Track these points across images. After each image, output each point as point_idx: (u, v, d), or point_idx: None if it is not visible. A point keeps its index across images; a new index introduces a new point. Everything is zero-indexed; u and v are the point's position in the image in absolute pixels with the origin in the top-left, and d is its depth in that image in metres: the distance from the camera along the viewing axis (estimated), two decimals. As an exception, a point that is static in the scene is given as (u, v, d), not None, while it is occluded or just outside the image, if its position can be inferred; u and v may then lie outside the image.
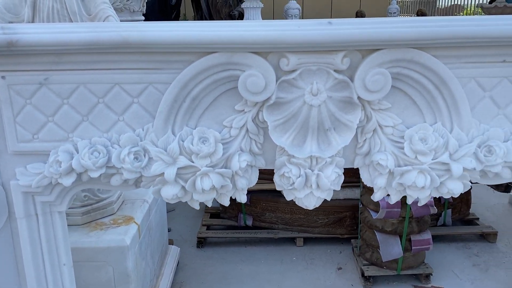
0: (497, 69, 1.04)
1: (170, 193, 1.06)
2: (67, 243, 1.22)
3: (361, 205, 2.86)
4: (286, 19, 8.25)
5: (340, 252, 3.07)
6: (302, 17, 11.97)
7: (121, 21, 3.13)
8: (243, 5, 5.98)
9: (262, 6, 5.86)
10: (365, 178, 1.13)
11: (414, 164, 1.05)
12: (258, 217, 3.26)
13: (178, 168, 1.05)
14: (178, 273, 2.85)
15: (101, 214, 2.11)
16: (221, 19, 8.70)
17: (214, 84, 1.02)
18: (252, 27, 0.94)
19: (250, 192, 3.26)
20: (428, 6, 14.03)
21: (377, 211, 2.61)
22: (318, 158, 1.06)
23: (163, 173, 1.04)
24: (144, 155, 1.05)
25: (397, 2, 9.61)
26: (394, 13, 8.95)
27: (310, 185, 1.09)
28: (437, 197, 2.59)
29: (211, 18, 8.54)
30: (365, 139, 1.08)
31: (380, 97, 1.01)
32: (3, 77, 1.02)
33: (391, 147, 1.07)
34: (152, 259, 2.39)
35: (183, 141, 1.04)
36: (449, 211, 3.22)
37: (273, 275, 2.84)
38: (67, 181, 1.06)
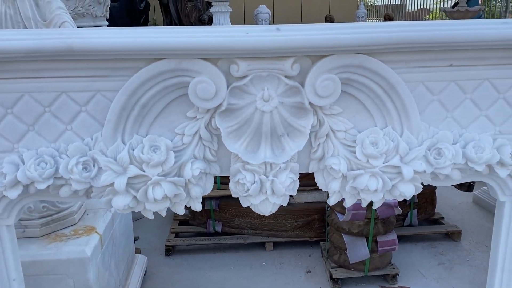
0: (444, 73, 1.07)
1: (121, 203, 1.04)
2: (17, 257, 1.17)
3: (328, 208, 2.88)
4: (257, 23, 8.29)
5: (309, 255, 3.08)
6: (272, 22, 12.05)
7: (83, 26, 3.08)
8: (211, 10, 5.95)
9: (231, 10, 5.85)
10: (320, 182, 1.13)
11: (366, 167, 1.06)
12: (227, 223, 3.24)
13: (128, 178, 1.02)
14: (145, 282, 2.80)
15: (62, 225, 2.05)
16: (191, 23, 8.65)
17: (164, 91, 1.00)
18: (200, 33, 0.93)
19: (219, 198, 3.25)
20: (396, 10, 14.35)
21: (343, 213, 2.63)
22: (272, 164, 1.06)
23: (113, 183, 1.02)
24: (93, 165, 1.03)
25: (365, 6, 9.79)
26: (362, 17, 9.10)
27: (265, 191, 1.08)
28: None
29: (180, 22, 8.49)
30: (319, 144, 1.09)
31: (331, 102, 1.01)
32: None
33: (344, 151, 1.07)
34: (117, 270, 2.34)
35: (133, 149, 1.02)
36: (415, 211, 3.28)
37: (242, 281, 2.83)
38: (13, 193, 1.03)
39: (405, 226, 3.27)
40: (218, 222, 3.24)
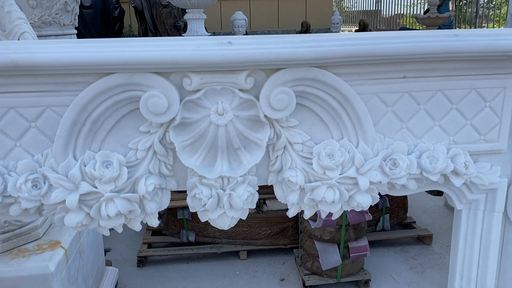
0: (398, 84, 1.08)
1: (74, 221, 1.01)
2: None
3: (301, 215, 2.89)
4: (233, 29, 8.31)
5: (283, 263, 3.07)
6: (249, 28, 12.09)
7: (50, 35, 3.03)
8: (185, 17, 5.94)
9: (205, 17, 5.85)
10: (279, 195, 1.13)
11: (323, 179, 1.07)
12: (201, 232, 3.22)
13: (80, 195, 0.99)
14: (116, 295, 2.75)
15: (24, 240, 1.99)
16: (166, 30, 8.59)
17: (116, 105, 0.98)
18: (150, 47, 0.92)
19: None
20: (372, 16, 14.57)
21: (315, 220, 2.64)
22: (229, 178, 1.05)
23: (65, 200, 0.99)
24: (44, 182, 1.00)
25: (340, 12, 9.91)
26: (337, 23, 9.21)
27: (222, 205, 1.07)
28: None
29: (155, 29, 8.44)
30: (277, 156, 1.08)
31: (286, 115, 1.01)
32: None
33: (302, 164, 1.07)
34: (85, 283, 2.28)
35: (85, 165, 0.99)
36: (387, 216, 3.31)
37: (215, 291, 2.81)
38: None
39: (378, 231, 3.31)
40: (191, 231, 3.21)
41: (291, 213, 1.13)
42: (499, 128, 1.13)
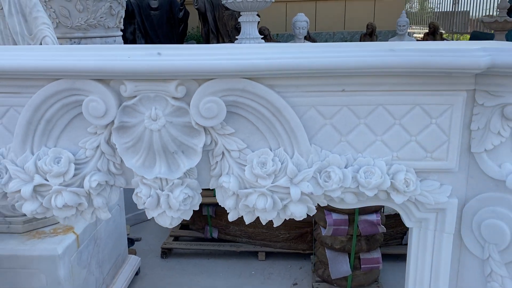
0: (337, 98, 1.08)
1: (29, 208, 1.14)
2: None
3: (315, 224, 2.88)
4: (294, 31, 8.35)
5: (300, 268, 3.08)
6: (314, 29, 12.03)
7: (95, 37, 3.28)
8: (239, 19, 6.07)
9: (258, 20, 5.95)
10: (219, 199, 1.18)
11: (256, 187, 1.10)
12: (223, 229, 3.31)
13: (35, 186, 1.12)
14: (136, 282, 2.93)
15: (43, 223, 2.21)
16: (227, 32, 8.83)
17: (65, 107, 1.09)
18: (89, 56, 1.01)
19: (215, 205, 3.32)
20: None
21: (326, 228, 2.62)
22: (167, 180, 1.12)
23: (20, 190, 1.12)
24: (6, 173, 1.13)
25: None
26: (404, 26, 8.89)
27: (161, 205, 1.14)
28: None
29: (217, 31, 8.70)
30: (216, 162, 1.13)
31: (216, 123, 1.06)
32: None
33: (238, 170, 1.11)
34: (100, 269, 2.47)
35: (39, 160, 1.12)
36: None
37: (228, 288, 2.89)
38: None
39: (403, 245, 3.19)
40: (214, 228, 3.32)
41: (230, 217, 1.18)
42: (447, 146, 1.09)
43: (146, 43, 8.36)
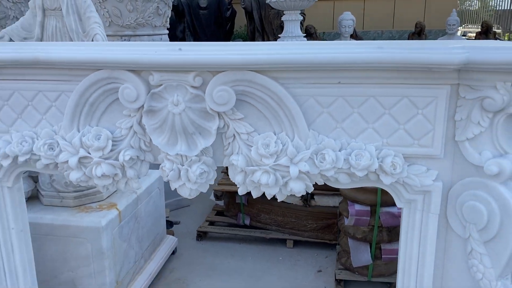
0: (333, 89, 1.23)
1: (75, 176, 1.38)
2: (16, 212, 1.56)
3: (340, 215, 3.00)
4: (340, 30, 8.40)
5: (326, 257, 3.21)
6: (362, 28, 11.96)
7: (143, 35, 3.56)
8: (283, 18, 6.21)
9: (301, 18, 6.07)
10: (231, 175, 1.36)
11: (260, 165, 1.27)
12: (254, 217, 3.50)
13: (79, 158, 1.35)
14: (172, 260, 3.18)
15: (90, 199, 2.49)
16: (273, 30, 9.01)
17: (105, 93, 1.31)
18: (124, 51, 1.23)
19: (247, 194, 3.50)
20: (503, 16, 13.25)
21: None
22: (186, 156, 1.32)
23: (68, 161, 1.36)
24: (57, 146, 1.38)
25: (458, 13, 9.27)
26: (453, 25, 8.70)
27: (181, 178, 1.34)
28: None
29: (263, 29, 8.90)
30: (229, 143, 1.32)
31: (227, 109, 1.24)
32: (-37, 84, 1.41)
33: (246, 151, 1.29)
34: (139, 244, 2.73)
35: (84, 136, 1.35)
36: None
37: (256, 271, 3.07)
38: (5, 163, 1.42)
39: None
40: (247, 215, 3.51)
41: (240, 191, 1.36)
42: (432, 134, 1.21)
43: (194, 41, 8.72)
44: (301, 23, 9.08)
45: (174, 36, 9.23)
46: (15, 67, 1.33)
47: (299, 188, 1.27)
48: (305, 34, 6.26)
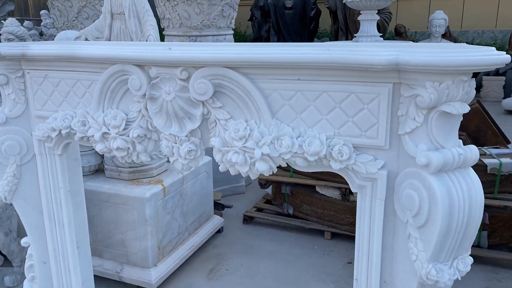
0: (293, 84, 1.43)
1: (99, 148, 1.75)
2: (64, 175, 1.99)
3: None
4: (430, 29, 8.18)
5: (351, 248, 3.30)
6: (460, 27, 11.29)
7: (208, 35, 3.94)
8: (359, 18, 6.26)
9: (378, 18, 6.08)
10: (214, 154, 1.62)
11: (232, 146, 1.52)
12: (297, 207, 3.71)
13: (102, 133, 1.72)
14: (217, 238, 3.52)
15: (143, 175, 2.92)
16: (357, 29, 8.95)
17: (121, 83, 1.66)
18: (130, 50, 1.56)
19: (292, 185, 3.72)
20: None
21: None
22: (178, 136, 1.61)
23: (94, 135, 1.74)
24: (87, 123, 1.76)
25: None
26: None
27: (174, 154, 1.64)
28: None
29: (346, 29, 8.90)
30: (212, 127, 1.59)
31: (206, 98, 1.51)
32: (28, 73, 1.86)
33: (223, 134, 1.55)
34: (184, 218, 3.11)
35: (106, 117, 1.71)
36: (485, 232, 3.14)
37: (289, 256, 3.28)
38: (53, 134, 1.84)
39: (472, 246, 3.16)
40: (290, 205, 3.73)
41: (221, 168, 1.62)
42: (377, 127, 1.36)
43: (278, 40, 9.04)
44: (386, 22, 8.94)
45: (259, 35, 9.69)
46: (60, 60, 1.74)
47: (263, 168, 1.49)
48: (381, 34, 6.20)
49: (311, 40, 9.18)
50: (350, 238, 3.45)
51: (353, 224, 3.41)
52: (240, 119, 1.52)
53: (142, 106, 1.65)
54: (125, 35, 2.75)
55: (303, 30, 9.14)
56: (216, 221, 3.55)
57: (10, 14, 8.42)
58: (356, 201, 3.41)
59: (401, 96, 1.32)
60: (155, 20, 2.72)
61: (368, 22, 6.16)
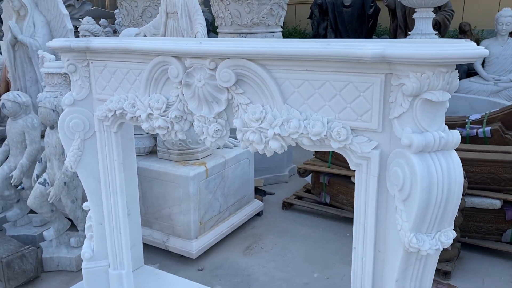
0: (302, 74, 1.66)
1: (145, 126, 2.09)
2: (118, 149, 2.36)
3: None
4: (496, 27, 7.94)
5: (391, 240, 3.44)
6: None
7: (258, 32, 4.22)
8: (414, 16, 6.28)
9: (434, 16, 6.07)
10: (237, 133, 1.90)
11: (250, 127, 1.78)
12: (334, 197, 3.89)
13: (147, 114, 2.06)
14: (256, 220, 3.80)
15: (189, 157, 3.26)
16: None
17: (163, 72, 1.98)
18: (168, 42, 1.87)
19: (330, 175, 3.90)
20: None
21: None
22: (207, 117, 1.91)
23: (140, 115, 2.08)
24: (136, 105, 2.10)
25: None
26: None
27: (204, 132, 1.94)
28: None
29: (405, 27, 8.78)
30: (236, 110, 1.86)
31: (230, 85, 1.78)
32: (91, 63, 2.24)
33: (244, 116, 1.82)
34: (225, 199, 3.42)
35: (151, 100, 2.04)
36: (518, 230, 3.15)
37: (321, 240, 3.48)
38: (109, 114, 2.21)
39: (502, 242, 3.19)
40: (327, 194, 3.92)
41: (241, 146, 1.89)
42: (371, 112, 1.56)
43: (335, 37, 9.12)
44: (448, 20, 8.72)
45: (317, 33, 9.83)
46: (116, 53, 2.09)
47: (275, 146, 1.74)
48: (439, 32, 6.13)
49: (370, 38, 9.15)
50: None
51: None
52: (258, 104, 1.77)
53: (180, 91, 1.96)
54: (178, 32, 3.10)
55: (361, 28, 9.15)
56: (256, 204, 3.83)
57: (89, 13, 9.22)
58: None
59: (392, 85, 1.51)
60: (204, 19, 3.04)
61: (423, 20, 6.16)
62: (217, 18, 4.40)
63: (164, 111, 2.01)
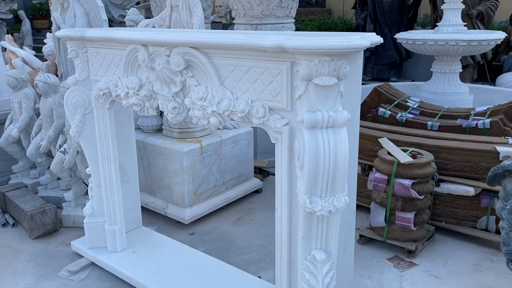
0: (234, 61, 1.99)
1: (124, 103, 2.51)
2: (111, 123, 2.80)
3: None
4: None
5: (366, 218, 3.63)
6: None
7: (268, 23, 4.51)
8: (442, 7, 6.27)
9: (463, 7, 6.03)
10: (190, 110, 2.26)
11: (195, 104, 2.14)
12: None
13: (125, 92, 2.47)
14: (254, 196, 4.13)
15: (188, 136, 3.66)
16: (457, 18, 8.58)
17: (134, 58, 2.37)
18: (136, 34, 2.26)
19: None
20: None
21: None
22: (166, 96, 2.28)
23: (120, 94, 2.49)
24: (118, 85, 2.52)
25: None
26: None
27: (164, 109, 2.32)
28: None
29: (446, 17, 8.51)
30: (189, 91, 2.22)
31: (181, 69, 2.14)
32: (89, 49, 2.68)
33: (192, 96, 2.18)
34: (221, 174, 3.79)
35: (127, 81, 2.45)
36: (493, 217, 3.23)
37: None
38: (101, 93, 2.65)
39: (478, 229, 3.29)
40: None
41: (193, 121, 2.25)
42: (281, 94, 1.86)
43: (374, 28, 9.10)
44: (492, 10, 8.45)
45: (356, 23, 9.82)
46: (104, 41, 2.52)
47: (214, 121, 2.08)
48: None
49: (410, 29, 9.03)
50: (367, 209, 3.78)
51: (368, 196, 3.75)
52: (203, 86, 2.12)
53: (148, 74, 2.35)
54: (179, 23, 3.49)
55: (401, 18, 9.03)
56: (255, 182, 4.17)
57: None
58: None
59: (294, 72, 1.80)
60: (202, 11, 3.40)
61: (451, 11, 6.14)
62: (232, 10, 4.74)
63: (137, 90, 2.41)
